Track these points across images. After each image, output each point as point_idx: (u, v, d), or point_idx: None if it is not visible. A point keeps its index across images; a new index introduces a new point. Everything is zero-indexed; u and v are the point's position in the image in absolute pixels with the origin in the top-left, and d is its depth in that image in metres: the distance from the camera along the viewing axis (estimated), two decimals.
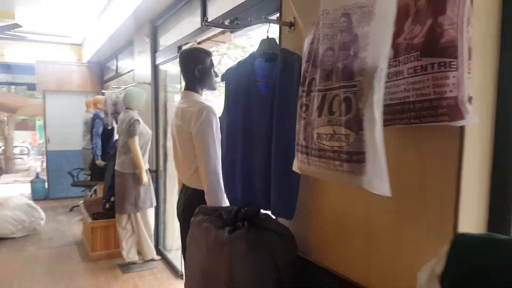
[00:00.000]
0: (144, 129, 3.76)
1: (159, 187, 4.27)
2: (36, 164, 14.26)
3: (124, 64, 5.84)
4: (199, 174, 1.95)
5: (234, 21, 2.14)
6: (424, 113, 0.97)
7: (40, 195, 7.34)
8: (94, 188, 5.98)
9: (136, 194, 3.75)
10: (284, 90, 1.48)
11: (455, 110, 0.91)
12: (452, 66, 0.91)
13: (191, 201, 1.99)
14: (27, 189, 7.91)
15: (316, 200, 1.54)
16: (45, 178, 7.49)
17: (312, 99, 1.03)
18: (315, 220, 1.56)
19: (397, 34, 1.02)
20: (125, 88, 4.31)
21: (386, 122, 1.06)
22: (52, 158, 7.35)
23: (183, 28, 3.50)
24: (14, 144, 15.85)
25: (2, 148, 14.74)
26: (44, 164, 8.88)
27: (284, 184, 1.54)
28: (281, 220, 1.66)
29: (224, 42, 3.96)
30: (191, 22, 3.37)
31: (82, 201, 4.96)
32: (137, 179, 3.71)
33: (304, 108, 1.08)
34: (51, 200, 7.23)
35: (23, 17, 5.52)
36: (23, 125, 21.89)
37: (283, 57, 1.53)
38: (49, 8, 5.28)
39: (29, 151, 18.42)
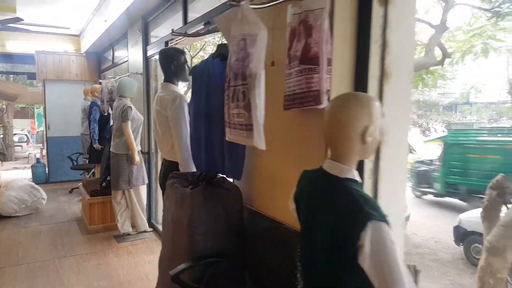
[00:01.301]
0: (136, 114, 4.26)
1: (151, 167, 4.78)
2: (36, 151, 14.69)
3: (119, 54, 6.32)
4: (175, 149, 2.48)
5: (206, 24, 2.67)
6: (303, 100, 1.49)
7: (41, 179, 7.83)
8: (92, 170, 6.51)
9: (130, 172, 4.28)
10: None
11: (318, 98, 1.44)
12: (316, 70, 1.44)
13: (169, 170, 2.52)
14: (27, 174, 8.41)
15: (256, 164, 2.08)
16: (46, 163, 8.01)
17: (229, 91, 1.57)
18: (256, 179, 2.10)
19: (289, 48, 1.55)
20: (119, 77, 4.80)
21: (287, 107, 1.61)
22: (52, 144, 7.86)
23: (171, 25, 3.98)
24: (14, 132, 16.34)
25: (1, 136, 15.16)
26: (44, 151, 9.34)
27: (233, 153, 2.07)
28: (235, 181, 2.20)
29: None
30: (176, 20, 3.86)
31: (81, 182, 5.49)
32: (130, 159, 4.22)
33: (226, 97, 1.62)
34: (52, 184, 7.74)
35: (24, 10, 5.96)
36: (22, 113, 22.20)
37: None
38: (49, 1, 5.71)
39: (28, 139, 18.86)
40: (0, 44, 7.69)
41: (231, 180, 2.22)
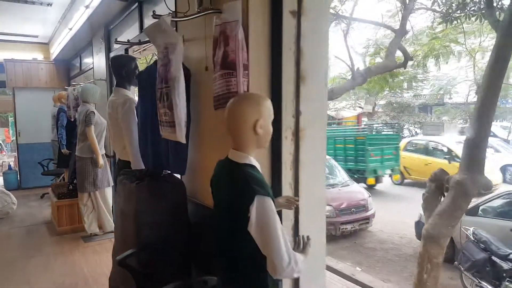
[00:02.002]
0: (99, 119, 4.41)
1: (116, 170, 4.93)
2: (10, 160, 14.50)
3: (86, 61, 6.44)
4: (126, 149, 2.67)
5: None
6: (225, 101, 1.71)
7: (12, 185, 7.85)
8: (62, 176, 6.58)
9: (94, 175, 4.42)
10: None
11: None
12: (234, 75, 1.67)
13: (122, 169, 2.70)
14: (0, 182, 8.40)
15: (197, 159, 2.29)
16: (17, 169, 8.01)
17: (158, 94, 1.79)
18: (198, 173, 2.31)
19: (213, 55, 1.77)
20: (83, 84, 4.94)
21: (216, 106, 1.83)
22: (24, 151, 7.89)
23: (132, 32, 4.16)
24: None
25: None
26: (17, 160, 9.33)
27: (176, 150, 2.28)
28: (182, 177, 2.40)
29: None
30: (135, 28, 4.04)
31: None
32: (95, 162, 4.37)
33: (157, 99, 1.83)
34: (23, 190, 7.76)
35: None
36: None
37: None
38: (16, 12, 5.80)
39: (2, 147, 18.55)
40: None
41: (178, 176, 2.42)
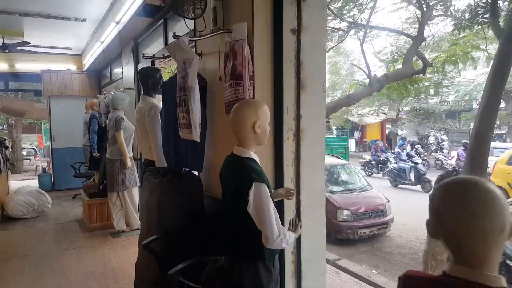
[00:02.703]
0: (128, 124, 4.81)
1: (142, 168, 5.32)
2: (43, 164, 15.36)
3: (116, 71, 6.93)
4: (151, 150, 3.01)
5: None
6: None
7: (47, 187, 8.40)
8: (93, 177, 7.05)
9: (123, 175, 4.81)
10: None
11: None
12: (241, 84, 1.97)
13: (148, 167, 3.04)
14: (35, 183, 8.99)
15: (213, 158, 2.60)
16: (51, 172, 8.59)
17: (178, 101, 2.10)
18: (213, 170, 2.61)
19: (224, 68, 2.08)
20: (114, 92, 5.37)
21: (227, 111, 2.12)
22: (57, 155, 8.47)
23: (159, 45, 4.55)
24: (22, 146, 17.06)
25: (11, 149, 15.82)
26: (51, 164, 9.97)
27: (194, 150, 2.59)
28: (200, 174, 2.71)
29: None
30: (160, 42, 4.43)
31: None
32: (124, 164, 4.76)
33: (177, 105, 2.15)
34: (57, 191, 8.30)
35: (31, 34, 6.59)
36: (30, 129, 22.95)
37: None
38: (53, 27, 6.34)
39: (36, 153, 19.57)
40: (10, 65, 8.35)
41: (196, 173, 2.74)
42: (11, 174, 9.52)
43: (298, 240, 2.19)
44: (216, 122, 2.54)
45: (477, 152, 3.64)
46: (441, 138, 24.45)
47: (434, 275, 0.91)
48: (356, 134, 27.89)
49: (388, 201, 8.43)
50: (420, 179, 12.15)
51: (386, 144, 25.05)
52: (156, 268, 2.38)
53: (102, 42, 5.92)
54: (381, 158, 15.02)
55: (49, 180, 8.57)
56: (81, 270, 3.87)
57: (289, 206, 2.18)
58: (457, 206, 0.85)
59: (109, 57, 6.76)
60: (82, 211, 6.05)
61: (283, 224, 1.90)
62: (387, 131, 27.20)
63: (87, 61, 7.96)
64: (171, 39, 3.91)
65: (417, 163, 12.48)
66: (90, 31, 6.41)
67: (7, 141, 9.01)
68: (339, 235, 7.77)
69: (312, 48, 2.21)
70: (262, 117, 1.64)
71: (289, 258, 2.19)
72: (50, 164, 9.92)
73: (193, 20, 2.46)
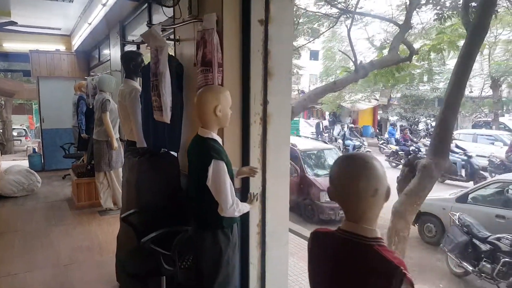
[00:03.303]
0: (114, 106, 4.93)
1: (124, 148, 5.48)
2: (34, 145, 15.38)
3: (104, 53, 7.00)
4: (133, 131, 3.18)
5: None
6: None
7: (37, 167, 8.51)
8: (82, 158, 7.19)
9: (109, 156, 4.97)
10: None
11: None
12: (210, 71, 2.13)
13: (129, 147, 3.22)
14: (25, 164, 9.11)
15: (189, 140, 2.76)
16: (41, 153, 8.71)
17: (152, 85, 2.27)
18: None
19: (196, 55, 2.24)
20: (100, 74, 5.48)
21: None
22: (47, 136, 8.57)
23: (141, 29, 4.65)
24: (13, 127, 17.04)
25: (1, 130, 15.81)
26: (41, 144, 10.06)
27: (171, 131, 2.76)
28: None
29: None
30: (144, 26, 4.53)
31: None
32: (110, 145, 4.91)
33: (151, 89, 2.32)
34: (47, 171, 8.42)
35: (19, 13, 6.61)
36: (20, 109, 22.83)
37: (169, 60, 2.73)
38: (41, 7, 6.36)
39: (26, 133, 19.56)
40: None
41: (174, 153, 2.91)
42: (1, 154, 9.63)
43: (263, 214, 2.40)
44: (192, 105, 2.70)
45: (441, 138, 3.86)
46: (431, 125, 24.81)
47: (332, 230, 1.12)
48: (348, 120, 28.14)
49: None
50: (475, 175, 10.58)
51: (377, 130, 25.41)
52: (134, 239, 2.58)
53: (90, 24, 6.00)
54: (410, 149, 13.26)
55: (39, 161, 8.69)
56: (68, 244, 4.07)
57: (255, 183, 2.37)
58: (342, 172, 1.07)
59: (97, 39, 6.83)
60: (71, 190, 6.22)
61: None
62: (378, 117, 27.48)
63: (76, 42, 8.00)
64: (155, 21, 4.03)
65: (470, 156, 11.06)
66: (78, 12, 6.46)
67: None
68: (322, 216, 8.08)
69: (279, 38, 2.37)
70: (223, 102, 1.82)
71: (254, 230, 2.40)
72: (41, 145, 10.03)
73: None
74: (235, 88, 2.27)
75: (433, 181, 3.87)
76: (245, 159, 2.34)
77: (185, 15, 2.49)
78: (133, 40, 2.99)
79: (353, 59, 8.35)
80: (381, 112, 27.52)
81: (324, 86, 9.44)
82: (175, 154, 2.92)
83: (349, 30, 8.37)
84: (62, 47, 8.79)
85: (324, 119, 28.31)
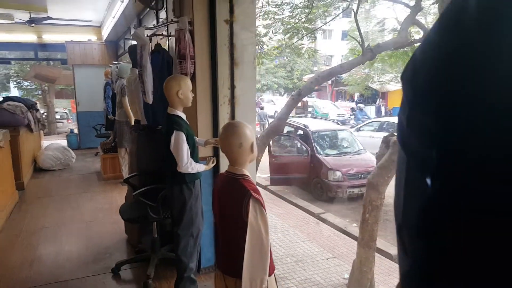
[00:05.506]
0: None
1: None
2: (74, 127, 16.69)
3: (128, 43, 7.73)
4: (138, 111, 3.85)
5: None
6: None
7: (74, 145, 9.54)
8: (110, 137, 8.07)
9: (129, 134, 5.72)
10: (157, 67, 3.32)
11: None
12: (184, 63, 2.73)
13: (136, 124, 3.90)
14: (64, 143, 10.19)
15: None
16: (77, 133, 9.73)
17: (138, 74, 2.90)
18: None
19: (174, 50, 2.83)
20: (120, 63, 6.22)
21: None
22: (82, 118, 9.56)
23: (152, 24, 5.29)
24: (56, 110, 18.51)
25: (45, 114, 17.23)
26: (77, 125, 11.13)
27: (155, 109, 3.39)
28: None
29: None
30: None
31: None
32: (129, 124, 5.65)
33: (138, 77, 2.95)
34: (82, 149, 9.45)
35: (54, 9, 7.45)
36: (62, 94, 24.51)
37: (161, 51, 3.35)
38: (73, 2, 7.15)
39: (68, 116, 21.06)
40: (38, 36, 9.34)
41: None
42: (43, 134, 10.76)
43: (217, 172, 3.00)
44: None
45: None
46: None
47: (224, 173, 1.71)
48: (378, 101, 27.76)
49: None
50: None
51: None
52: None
53: (113, 17, 6.72)
54: None
55: (75, 140, 9.71)
56: (92, 206, 4.89)
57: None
58: (223, 132, 1.66)
59: (121, 31, 7.57)
60: (100, 164, 7.10)
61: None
62: None
63: (105, 33, 8.80)
64: (161, 19, 4.66)
65: None
66: (105, 5, 7.20)
67: (38, 105, 10.07)
68: (330, 194, 8.56)
69: (243, 34, 2.92)
70: (183, 87, 2.41)
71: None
72: (77, 126, 11.10)
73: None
74: (205, 76, 2.85)
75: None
76: (215, 134, 2.93)
77: (170, 16, 3.09)
78: (131, 36, 3.66)
79: (360, 43, 8.63)
80: None
81: (330, 69, 9.74)
82: None
83: (356, 13, 8.62)
84: (93, 37, 9.65)
85: (353, 100, 28.10)
